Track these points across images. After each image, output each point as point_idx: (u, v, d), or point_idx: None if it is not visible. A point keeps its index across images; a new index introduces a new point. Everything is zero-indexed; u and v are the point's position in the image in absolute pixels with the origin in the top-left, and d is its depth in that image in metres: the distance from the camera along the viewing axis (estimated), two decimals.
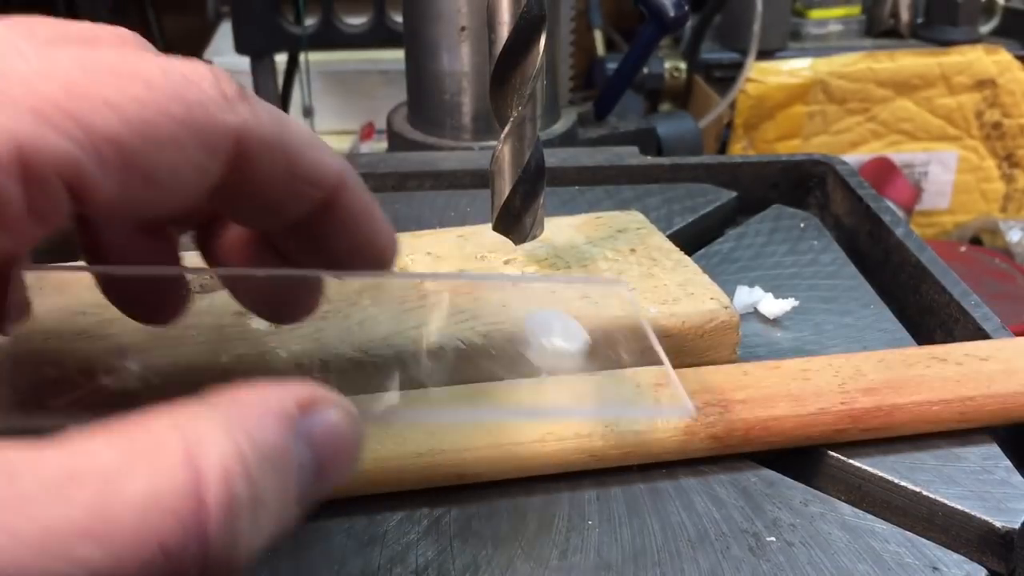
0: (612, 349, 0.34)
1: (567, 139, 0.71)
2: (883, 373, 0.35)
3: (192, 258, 0.30)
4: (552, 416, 0.32)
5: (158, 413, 0.18)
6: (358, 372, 0.34)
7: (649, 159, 0.60)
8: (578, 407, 0.33)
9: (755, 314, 0.43)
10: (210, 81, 0.22)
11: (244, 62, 1.12)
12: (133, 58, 0.21)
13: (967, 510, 0.31)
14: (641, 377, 0.34)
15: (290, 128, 0.24)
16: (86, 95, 0.20)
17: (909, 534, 0.31)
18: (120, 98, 0.20)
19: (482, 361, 0.35)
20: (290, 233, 0.27)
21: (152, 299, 0.29)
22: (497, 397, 0.33)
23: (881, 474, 0.33)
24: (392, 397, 0.32)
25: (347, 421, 0.21)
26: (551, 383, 0.33)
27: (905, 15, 1.39)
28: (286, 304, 0.29)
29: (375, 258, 0.28)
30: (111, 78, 0.20)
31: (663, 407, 0.33)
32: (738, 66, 1.28)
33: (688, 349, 0.37)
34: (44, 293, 0.35)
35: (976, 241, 1.37)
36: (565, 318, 0.34)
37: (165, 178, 0.21)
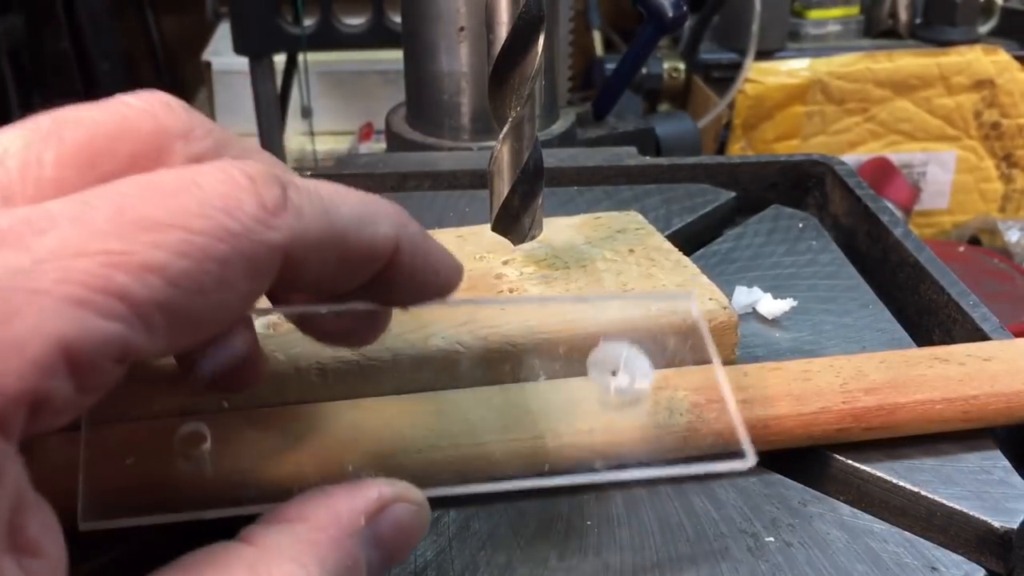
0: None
1: (566, 139, 0.71)
2: (885, 373, 0.35)
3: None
4: (617, 477, 0.31)
5: (239, 559, 0.20)
6: (355, 375, 0.34)
7: (648, 159, 0.60)
8: (635, 458, 0.32)
9: (754, 314, 0.43)
10: (249, 194, 0.20)
11: (243, 62, 1.12)
12: (170, 191, 0.20)
13: (966, 510, 0.31)
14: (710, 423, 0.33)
15: (339, 213, 0.23)
16: (125, 264, 0.18)
17: (908, 534, 0.31)
18: (161, 257, 0.19)
19: (480, 364, 0.35)
20: (350, 294, 0.26)
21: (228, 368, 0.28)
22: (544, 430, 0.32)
23: (880, 474, 0.33)
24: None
25: (411, 513, 0.24)
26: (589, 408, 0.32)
27: (903, 15, 1.39)
28: (357, 332, 0.28)
29: (439, 291, 0.27)
30: (149, 235, 0.19)
31: (721, 456, 0.31)
32: (737, 66, 1.28)
33: None
34: None
35: (975, 241, 1.37)
36: (635, 353, 0.32)
37: (211, 317, 0.20)
